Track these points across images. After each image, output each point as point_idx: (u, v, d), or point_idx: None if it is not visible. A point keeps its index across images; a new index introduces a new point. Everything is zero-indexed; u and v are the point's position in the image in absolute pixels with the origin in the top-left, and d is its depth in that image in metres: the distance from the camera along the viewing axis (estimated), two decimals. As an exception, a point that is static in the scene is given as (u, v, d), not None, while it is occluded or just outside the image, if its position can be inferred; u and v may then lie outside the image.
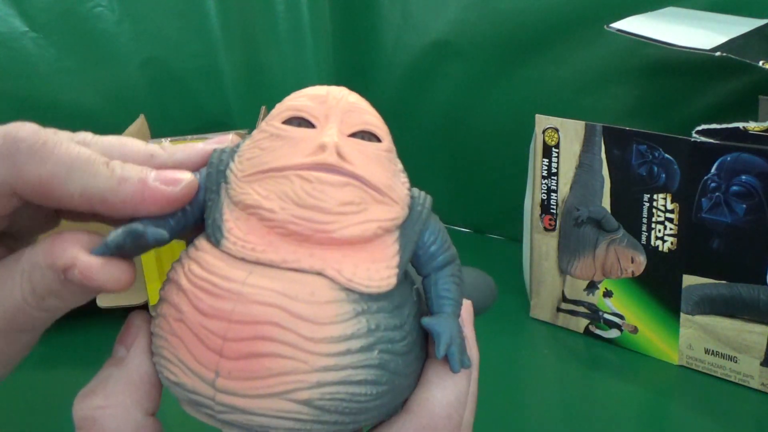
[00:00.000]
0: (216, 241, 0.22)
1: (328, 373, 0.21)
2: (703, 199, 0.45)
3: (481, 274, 0.37)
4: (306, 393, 0.21)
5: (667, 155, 0.46)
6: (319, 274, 0.21)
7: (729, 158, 0.44)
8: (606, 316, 0.52)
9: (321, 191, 0.21)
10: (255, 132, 0.24)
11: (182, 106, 0.80)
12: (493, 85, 0.68)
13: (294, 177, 0.22)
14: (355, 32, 0.76)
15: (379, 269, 0.22)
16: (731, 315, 0.46)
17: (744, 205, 0.44)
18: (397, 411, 0.24)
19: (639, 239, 0.49)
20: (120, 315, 0.55)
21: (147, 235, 0.22)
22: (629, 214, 0.49)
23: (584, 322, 0.53)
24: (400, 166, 0.24)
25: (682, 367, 0.49)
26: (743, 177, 0.43)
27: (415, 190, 0.25)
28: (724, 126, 0.45)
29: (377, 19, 0.74)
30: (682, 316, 0.48)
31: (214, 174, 0.24)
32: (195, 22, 0.78)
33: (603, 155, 0.49)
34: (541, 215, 0.54)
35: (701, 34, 0.50)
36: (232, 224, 0.22)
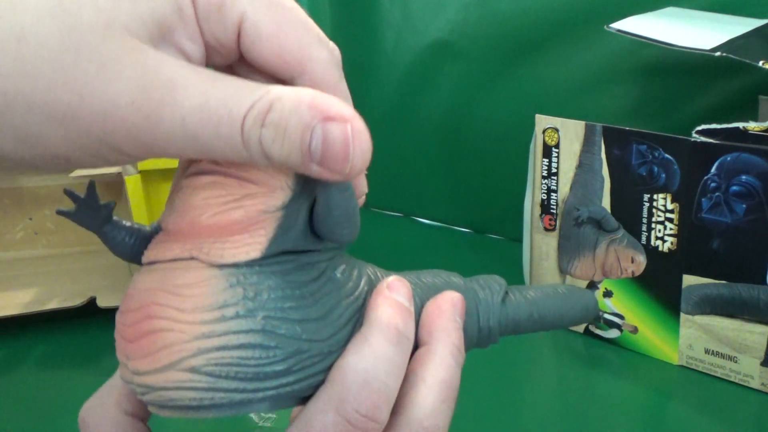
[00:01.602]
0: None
1: (206, 340, 0.22)
2: (703, 199, 0.45)
3: (575, 289, 0.35)
4: (191, 360, 0.22)
5: (667, 155, 0.46)
6: (192, 258, 0.23)
7: (729, 158, 0.44)
8: (606, 316, 0.52)
9: (187, 195, 0.24)
10: None
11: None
12: (493, 85, 0.68)
13: (178, 190, 0.25)
14: (355, 32, 0.76)
15: (237, 244, 0.23)
16: (731, 315, 0.46)
17: (744, 205, 0.44)
18: (319, 381, 0.24)
19: (639, 239, 0.49)
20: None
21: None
22: (629, 214, 0.49)
23: (584, 322, 0.53)
24: None
25: (682, 367, 0.49)
26: (743, 177, 0.44)
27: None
28: (724, 126, 0.45)
29: (377, 19, 0.74)
30: (682, 316, 0.48)
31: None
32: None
33: (603, 155, 0.49)
34: (541, 215, 0.54)
35: (701, 34, 0.50)
36: (157, 237, 0.25)
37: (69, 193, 0.26)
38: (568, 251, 0.53)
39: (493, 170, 0.69)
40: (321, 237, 0.25)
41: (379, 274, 0.28)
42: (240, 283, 0.23)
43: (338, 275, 0.26)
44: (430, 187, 0.73)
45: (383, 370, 0.24)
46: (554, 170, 0.52)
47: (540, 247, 0.54)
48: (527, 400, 0.48)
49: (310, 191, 0.24)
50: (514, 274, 0.58)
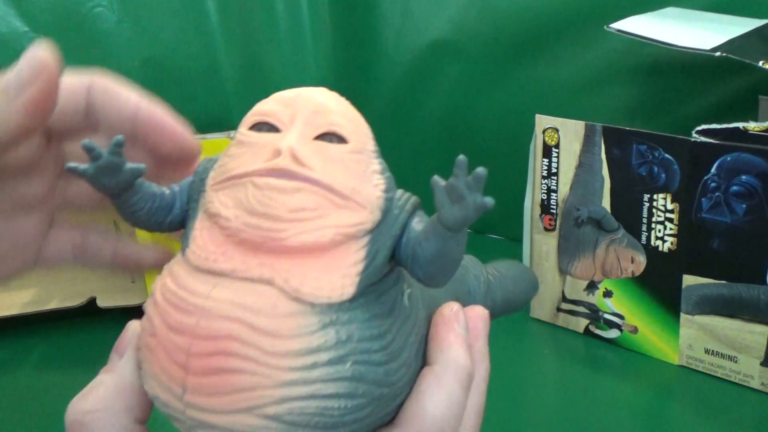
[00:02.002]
0: (183, 251, 0.22)
1: (294, 388, 0.20)
2: (703, 199, 0.45)
3: (521, 266, 0.37)
4: (273, 408, 0.20)
5: (667, 155, 0.46)
6: (269, 283, 0.21)
7: (729, 158, 0.44)
8: (606, 316, 0.52)
9: (270, 198, 0.21)
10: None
11: (182, 106, 0.80)
12: (493, 85, 0.68)
13: (249, 184, 0.21)
14: (355, 32, 0.76)
15: (331, 279, 0.21)
16: (731, 315, 0.46)
17: (744, 205, 0.44)
18: (384, 421, 0.23)
19: (639, 239, 0.49)
20: (119, 315, 0.55)
21: (124, 164, 0.23)
22: (629, 214, 0.49)
23: (584, 322, 0.53)
24: (375, 167, 0.23)
25: (682, 367, 0.49)
26: (743, 177, 0.43)
27: (399, 192, 0.23)
28: (724, 126, 0.45)
29: (377, 19, 0.74)
30: (682, 316, 0.48)
31: (197, 182, 0.24)
32: (195, 22, 0.78)
33: (603, 155, 0.49)
34: (541, 215, 0.54)
35: (701, 34, 0.50)
36: (198, 233, 0.22)
37: (88, 148, 0.22)
38: (568, 251, 0.53)
39: (493, 170, 0.69)
40: (410, 272, 0.23)
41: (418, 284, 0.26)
42: (333, 324, 0.21)
43: (406, 302, 0.24)
44: (430, 187, 0.73)
45: (455, 416, 0.23)
46: (554, 170, 0.52)
47: (540, 247, 0.54)
48: (527, 399, 0.48)
49: (396, 215, 0.22)
50: (514, 274, 0.58)
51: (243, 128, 0.23)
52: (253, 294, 0.20)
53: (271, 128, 0.22)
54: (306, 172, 0.21)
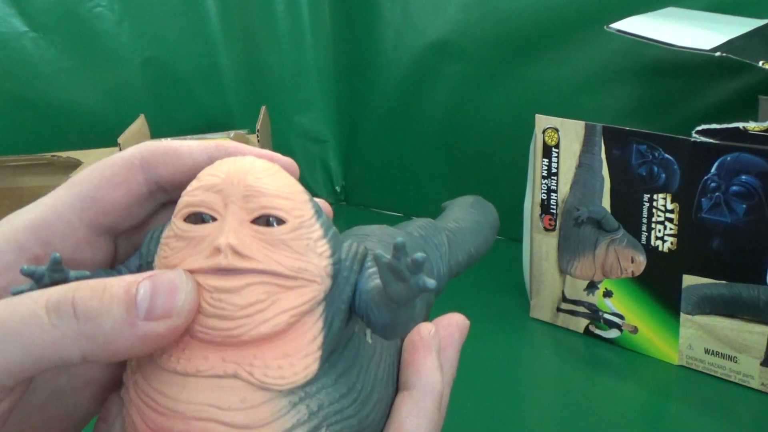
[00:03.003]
0: None
1: None
2: (703, 199, 0.45)
3: (478, 208, 0.37)
4: None
5: (667, 155, 0.46)
6: (235, 377, 0.21)
7: (729, 158, 0.44)
8: (606, 316, 0.52)
9: (219, 300, 0.21)
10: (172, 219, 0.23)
11: (182, 106, 0.80)
12: (493, 85, 0.68)
13: (201, 286, 0.21)
14: (355, 32, 0.76)
15: (293, 362, 0.21)
16: (731, 315, 0.46)
17: (744, 205, 0.44)
18: None
19: (639, 239, 0.49)
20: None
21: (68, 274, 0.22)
22: (629, 214, 0.49)
23: (584, 322, 0.53)
24: (317, 233, 0.23)
25: (682, 367, 0.49)
26: (743, 177, 0.43)
27: (345, 248, 0.23)
28: (724, 126, 0.45)
29: (377, 19, 0.74)
30: (682, 316, 0.48)
31: (145, 267, 0.24)
32: (195, 22, 0.78)
33: (603, 155, 0.49)
34: (541, 215, 0.54)
35: (701, 34, 0.50)
36: (182, 340, 0.22)
37: (27, 273, 0.22)
38: (568, 251, 0.53)
39: (493, 170, 0.69)
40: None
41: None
42: (302, 400, 0.21)
43: (369, 340, 0.24)
44: (430, 187, 0.73)
45: None
46: (554, 170, 0.52)
47: (540, 247, 0.54)
48: (527, 399, 0.48)
49: (346, 277, 0.23)
50: (514, 274, 0.58)
51: (177, 220, 0.22)
52: (221, 391, 0.21)
53: (208, 217, 0.22)
54: (250, 265, 0.21)
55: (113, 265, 0.26)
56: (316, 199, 0.25)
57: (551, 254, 0.54)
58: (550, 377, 0.51)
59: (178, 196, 0.23)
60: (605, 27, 0.53)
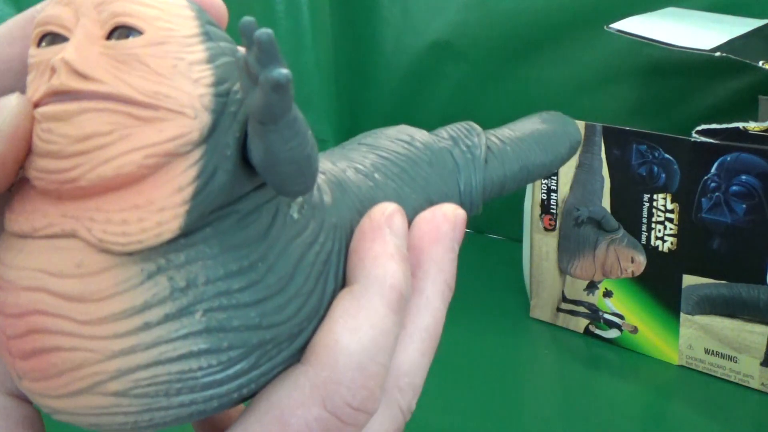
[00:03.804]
0: None
1: (129, 357, 0.16)
2: (703, 199, 0.45)
3: (552, 113, 0.29)
4: (113, 384, 0.16)
5: (667, 155, 0.46)
6: (72, 236, 0.16)
7: (729, 158, 0.44)
8: (606, 316, 0.52)
9: (48, 130, 0.16)
10: None
11: (182, 106, 0.80)
12: (493, 85, 0.68)
13: (36, 117, 0.17)
14: (355, 32, 0.76)
15: (141, 216, 0.16)
16: (731, 315, 0.46)
17: (744, 205, 0.44)
18: (294, 361, 0.19)
19: (639, 239, 0.49)
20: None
21: None
22: (629, 214, 0.49)
23: (584, 322, 0.53)
24: (195, 56, 0.17)
25: (682, 367, 0.49)
26: (743, 177, 0.43)
27: (244, 80, 0.17)
28: (724, 126, 0.45)
29: (377, 19, 0.74)
30: (682, 316, 0.48)
31: None
32: (195, 22, 0.78)
33: (603, 155, 0.49)
34: (541, 215, 0.54)
35: (701, 34, 0.50)
36: (15, 188, 0.18)
37: None
38: (568, 251, 0.53)
39: (493, 170, 0.69)
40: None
41: (346, 180, 0.21)
42: (162, 271, 0.16)
43: (295, 215, 0.19)
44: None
45: (381, 347, 0.18)
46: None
47: (540, 247, 0.54)
48: (527, 399, 0.48)
49: (233, 113, 0.17)
50: (514, 274, 0.58)
51: (31, 46, 0.18)
52: (54, 253, 0.16)
53: (58, 38, 0.18)
54: (90, 86, 0.16)
55: None
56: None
57: (551, 254, 0.54)
58: (550, 377, 0.51)
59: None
60: (605, 27, 0.53)
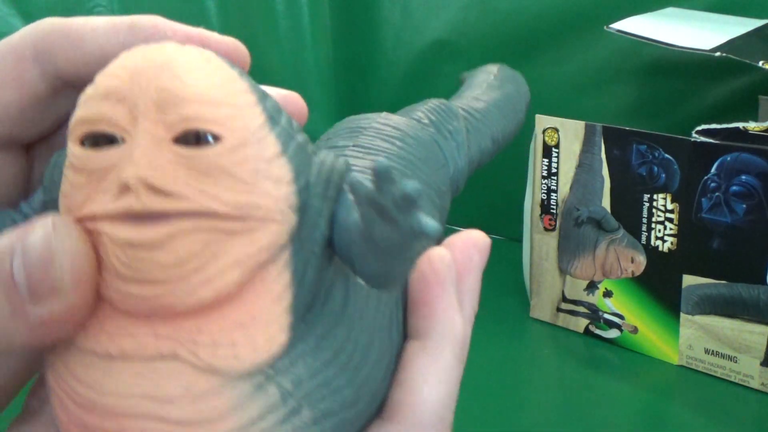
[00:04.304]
0: None
1: None
2: (703, 199, 0.45)
3: (503, 68, 0.29)
4: None
5: (667, 155, 0.46)
6: (174, 359, 0.15)
7: (729, 158, 0.44)
8: (606, 316, 0.52)
9: (136, 259, 0.15)
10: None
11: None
12: (493, 85, 0.68)
13: (104, 237, 0.15)
14: (355, 32, 0.76)
15: (250, 335, 0.16)
16: (731, 315, 0.46)
17: (744, 205, 0.44)
18: (372, 416, 0.19)
19: (639, 239, 0.49)
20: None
21: None
22: (629, 214, 0.49)
23: (584, 322, 0.53)
24: (271, 149, 0.16)
25: (682, 367, 0.49)
26: (743, 177, 0.43)
27: (316, 166, 0.17)
28: (724, 126, 0.45)
29: (377, 19, 0.74)
30: (682, 316, 0.48)
31: (51, 205, 0.17)
32: (195, 22, 0.78)
33: (603, 155, 0.49)
34: (541, 215, 0.54)
35: (701, 34, 0.50)
36: (101, 312, 0.16)
37: None
38: (568, 251, 0.53)
39: (493, 170, 0.69)
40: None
41: None
42: (271, 379, 0.16)
43: (360, 280, 0.18)
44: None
45: (453, 396, 0.19)
46: (554, 170, 0.52)
47: (540, 247, 0.54)
48: (527, 399, 0.48)
49: (318, 208, 0.16)
50: (514, 274, 0.58)
51: (72, 143, 0.16)
52: (158, 377, 0.15)
53: (111, 138, 0.16)
54: (175, 205, 0.15)
55: (29, 182, 0.20)
56: (279, 93, 0.18)
57: (551, 254, 0.54)
58: (550, 377, 0.51)
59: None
60: (605, 27, 0.53)
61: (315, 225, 0.16)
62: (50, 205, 0.17)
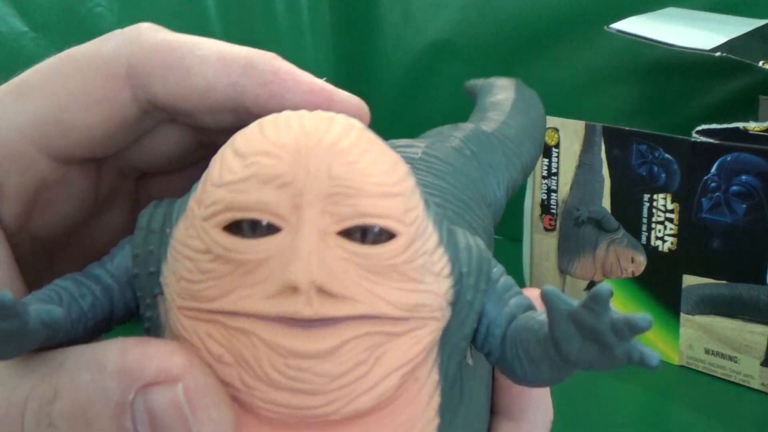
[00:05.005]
0: None
1: None
2: (703, 199, 0.45)
3: (519, 85, 0.29)
4: None
5: (667, 155, 0.46)
6: None
7: (729, 158, 0.44)
8: (606, 316, 0.52)
9: (300, 369, 0.13)
10: (189, 214, 0.15)
11: (182, 106, 0.80)
12: (493, 85, 0.68)
13: (256, 339, 0.14)
14: (355, 32, 0.76)
15: None
16: (731, 315, 0.46)
17: (744, 205, 0.44)
18: None
19: (639, 239, 0.49)
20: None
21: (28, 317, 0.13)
22: (629, 214, 0.49)
23: (584, 322, 0.53)
24: (433, 239, 0.15)
25: (682, 367, 0.49)
26: (743, 177, 0.43)
27: (463, 252, 0.15)
28: (724, 126, 0.45)
29: (377, 19, 0.74)
30: (682, 316, 0.48)
31: (144, 278, 0.15)
32: (195, 22, 0.78)
33: (603, 155, 0.49)
34: (541, 215, 0.54)
35: (701, 34, 0.50)
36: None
37: None
38: (568, 251, 0.53)
39: (493, 170, 0.69)
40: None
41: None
42: None
43: (470, 362, 0.17)
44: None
45: None
46: (554, 170, 0.52)
47: (540, 247, 0.54)
48: (527, 400, 0.48)
49: (469, 302, 0.15)
50: (514, 274, 0.58)
51: (212, 228, 0.14)
52: None
53: (265, 226, 0.14)
54: (345, 309, 0.14)
55: (98, 189, 0.19)
56: (347, 103, 0.17)
57: (551, 254, 0.54)
58: (550, 377, 0.51)
59: (186, 120, 0.17)
60: (605, 27, 0.53)
61: (465, 319, 0.15)
62: (143, 279, 0.15)
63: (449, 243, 0.15)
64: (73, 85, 0.17)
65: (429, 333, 0.14)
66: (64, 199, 0.18)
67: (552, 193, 0.53)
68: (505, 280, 0.16)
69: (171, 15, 0.78)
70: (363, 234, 0.14)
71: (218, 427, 0.13)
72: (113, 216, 0.20)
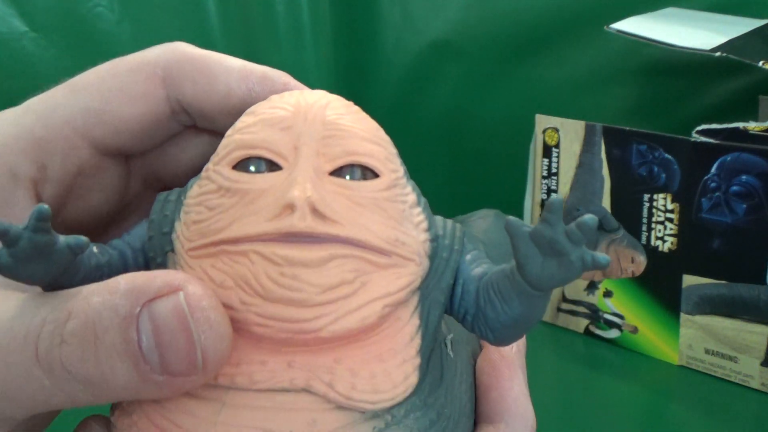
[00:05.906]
0: None
1: None
2: (703, 199, 0.45)
3: (493, 226, 0.30)
4: None
5: (667, 155, 0.46)
6: (305, 391, 0.15)
7: (729, 158, 0.44)
8: (606, 316, 0.52)
9: (294, 276, 0.15)
10: (203, 173, 0.17)
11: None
12: (493, 85, 0.68)
13: (254, 255, 0.15)
14: (355, 32, 0.76)
15: (389, 369, 0.16)
16: (731, 315, 0.46)
17: (744, 205, 0.44)
18: None
19: (639, 239, 0.49)
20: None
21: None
22: (629, 214, 0.49)
23: (584, 322, 0.53)
24: (411, 197, 0.17)
25: (682, 367, 0.49)
26: (743, 177, 0.43)
27: (439, 222, 0.18)
28: (724, 126, 0.45)
29: (377, 19, 0.74)
30: (682, 316, 0.48)
31: (157, 239, 0.17)
32: (195, 22, 0.78)
33: (603, 155, 0.49)
34: (541, 215, 0.54)
35: (701, 34, 0.50)
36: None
37: (1, 233, 0.14)
38: (568, 251, 0.53)
39: (493, 170, 0.69)
40: (473, 332, 0.18)
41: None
42: (388, 426, 0.16)
43: (450, 353, 0.18)
44: (430, 187, 0.73)
45: None
46: (554, 170, 0.52)
47: (540, 247, 0.54)
48: (527, 400, 0.48)
49: (445, 259, 0.17)
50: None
51: (223, 167, 0.16)
52: (282, 411, 0.15)
53: (268, 164, 0.16)
54: (334, 230, 0.15)
55: (126, 188, 0.21)
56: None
57: (551, 254, 0.54)
58: (550, 377, 0.51)
59: (205, 124, 0.19)
60: (605, 27, 0.53)
61: (442, 275, 0.17)
62: (156, 240, 0.17)
63: (427, 210, 0.17)
64: (119, 81, 0.20)
65: (409, 273, 0.16)
66: (97, 189, 0.20)
67: (552, 193, 0.53)
68: (479, 251, 0.17)
69: (171, 15, 0.78)
70: (351, 173, 0.16)
71: (216, 329, 0.15)
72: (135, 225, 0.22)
